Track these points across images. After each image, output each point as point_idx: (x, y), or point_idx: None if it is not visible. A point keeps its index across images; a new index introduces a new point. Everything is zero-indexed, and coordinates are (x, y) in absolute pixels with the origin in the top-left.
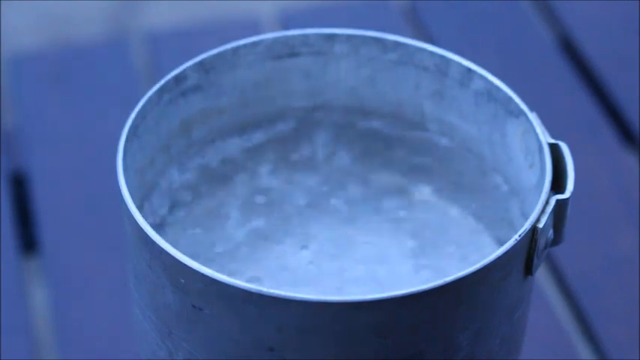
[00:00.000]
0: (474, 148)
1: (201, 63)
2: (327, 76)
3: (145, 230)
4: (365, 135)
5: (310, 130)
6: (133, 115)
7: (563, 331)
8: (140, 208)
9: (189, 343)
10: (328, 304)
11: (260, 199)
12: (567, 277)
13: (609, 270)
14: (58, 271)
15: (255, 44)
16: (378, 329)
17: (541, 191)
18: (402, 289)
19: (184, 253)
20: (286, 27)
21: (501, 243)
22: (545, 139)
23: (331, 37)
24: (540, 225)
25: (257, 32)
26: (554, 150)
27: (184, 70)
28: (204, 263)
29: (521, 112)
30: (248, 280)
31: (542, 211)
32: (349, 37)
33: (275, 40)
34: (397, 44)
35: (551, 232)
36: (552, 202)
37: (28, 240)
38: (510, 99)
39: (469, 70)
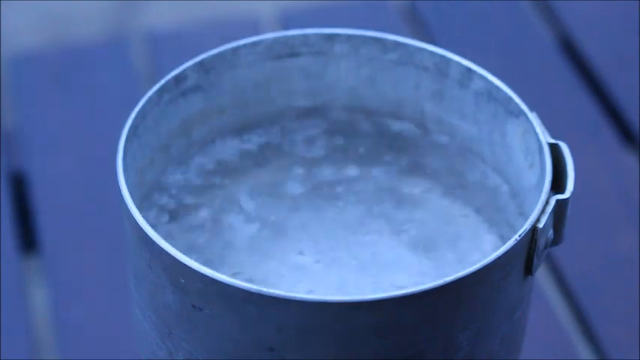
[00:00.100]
0: (474, 148)
1: (201, 63)
2: (327, 76)
3: (145, 230)
4: (365, 135)
5: (310, 130)
6: (133, 115)
7: (563, 331)
8: (140, 208)
9: (189, 343)
10: (328, 304)
11: (260, 198)
12: (567, 277)
13: (609, 270)
14: (58, 271)
15: (255, 44)
16: (378, 329)
17: (541, 191)
18: (402, 289)
19: (185, 253)
20: (286, 27)
21: (501, 243)
22: (545, 139)
23: (331, 37)
24: (540, 225)
25: (257, 32)
26: (554, 150)
27: (184, 70)
28: (204, 263)
29: (521, 112)
30: (250, 280)
31: (542, 211)
32: (349, 37)
33: (275, 40)
34: (397, 44)
35: (551, 232)
36: (552, 202)
37: (28, 240)
38: (510, 99)
39: (469, 70)
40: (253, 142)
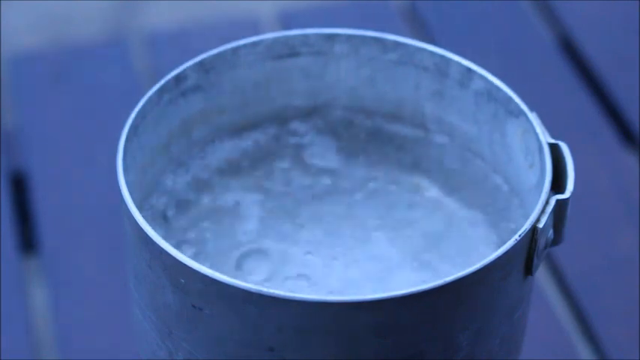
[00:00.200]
0: (473, 148)
1: (201, 63)
2: (327, 76)
3: (145, 230)
4: (365, 135)
5: (310, 130)
6: (133, 115)
7: (563, 331)
8: (140, 208)
9: (189, 343)
10: (328, 304)
11: (260, 199)
12: (567, 277)
13: (609, 270)
14: (58, 271)
15: (255, 44)
16: (378, 329)
17: (541, 191)
18: (402, 289)
19: (185, 254)
20: (286, 27)
21: (501, 243)
22: (545, 139)
23: (331, 37)
24: (540, 225)
25: (257, 32)
26: (554, 150)
27: (184, 70)
28: (203, 262)
29: (521, 112)
30: (250, 281)
31: (542, 211)
32: (349, 37)
33: (275, 40)
34: (397, 44)
35: (551, 232)
36: (552, 202)
37: (28, 240)
38: (510, 99)
39: (469, 70)
40: (253, 142)
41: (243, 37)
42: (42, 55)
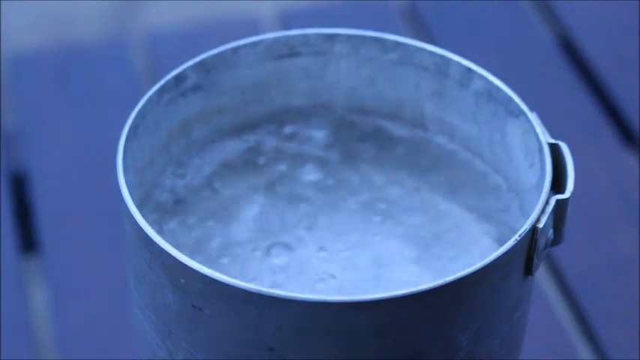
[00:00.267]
0: (473, 148)
1: (201, 63)
2: (327, 76)
3: (145, 230)
4: (364, 135)
5: (310, 130)
6: (133, 115)
7: (563, 331)
8: (140, 208)
9: (189, 343)
10: (328, 304)
11: (260, 198)
12: (567, 277)
13: (609, 270)
14: (58, 271)
15: (255, 44)
16: (378, 329)
17: (541, 191)
18: (402, 289)
19: (187, 254)
20: (286, 27)
21: (501, 243)
22: (545, 139)
23: (331, 37)
24: (540, 225)
25: (257, 32)
26: (554, 150)
27: (184, 70)
28: (203, 262)
29: (521, 112)
30: (251, 281)
31: (542, 211)
32: (349, 37)
33: (275, 40)
34: (397, 44)
35: (551, 232)
36: (552, 202)
37: (28, 240)
38: (510, 99)
39: (469, 70)
40: (253, 142)
41: (243, 37)
42: (42, 55)
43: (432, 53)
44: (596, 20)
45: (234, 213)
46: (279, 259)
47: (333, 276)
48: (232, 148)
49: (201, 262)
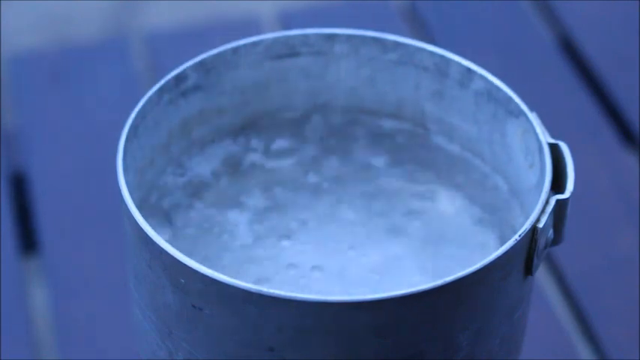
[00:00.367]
0: (473, 148)
1: (201, 63)
2: (327, 76)
3: (145, 230)
4: (364, 135)
5: (310, 130)
6: (133, 115)
7: (563, 331)
8: (140, 208)
9: (189, 343)
10: (328, 304)
11: (261, 199)
12: (567, 277)
13: (609, 270)
14: (58, 271)
15: (255, 44)
16: (378, 329)
17: (541, 191)
18: (402, 289)
19: (186, 253)
20: (286, 27)
21: (501, 243)
22: (545, 139)
23: (331, 37)
24: (540, 225)
25: (257, 32)
26: (554, 150)
27: (184, 70)
28: (203, 262)
29: (521, 112)
30: (252, 280)
31: (542, 211)
32: (349, 37)
33: (275, 40)
34: (397, 44)
35: (551, 232)
36: (552, 202)
37: (28, 240)
38: (510, 99)
39: (469, 70)
40: (253, 141)
41: (243, 37)
42: (42, 55)
43: (432, 53)
44: (596, 20)
45: (235, 213)
46: (281, 252)
47: (332, 274)
48: (232, 147)
49: (202, 260)
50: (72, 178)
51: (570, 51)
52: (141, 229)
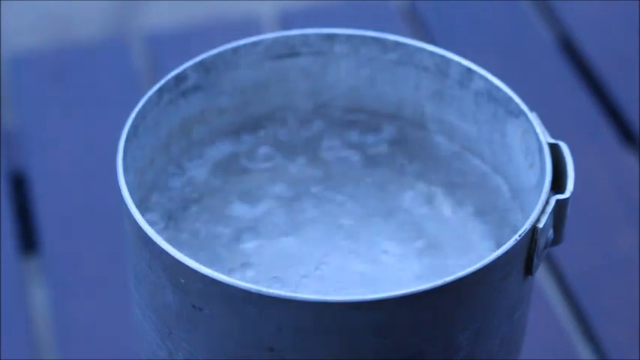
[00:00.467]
0: (473, 148)
1: (201, 63)
2: (327, 76)
3: (145, 230)
4: (364, 135)
5: (310, 130)
6: (133, 115)
7: (563, 331)
8: (140, 208)
9: (189, 343)
10: (328, 304)
11: (261, 199)
12: (567, 277)
13: (609, 270)
14: (58, 271)
15: (255, 44)
16: (378, 329)
17: (541, 191)
18: (402, 289)
19: (185, 253)
20: (286, 27)
21: (501, 243)
22: (545, 139)
23: (331, 37)
24: (540, 225)
25: (257, 32)
26: (554, 150)
27: (184, 70)
28: (204, 263)
29: (521, 112)
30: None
31: (542, 211)
32: (349, 37)
33: (275, 40)
34: (397, 44)
35: (551, 232)
36: (552, 202)
37: (28, 240)
38: (510, 99)
39: (469, 70)
40: (253, 142)
41: (243, 37)
42: (42, 55)
43: (432, 53)
44: (596, 20)
45: (235, 212)
46: (281, 252)
47: (330, 273)
48: (232, 148)
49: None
50: (72, 178)
51: (570, 51)
52: (141, 229)
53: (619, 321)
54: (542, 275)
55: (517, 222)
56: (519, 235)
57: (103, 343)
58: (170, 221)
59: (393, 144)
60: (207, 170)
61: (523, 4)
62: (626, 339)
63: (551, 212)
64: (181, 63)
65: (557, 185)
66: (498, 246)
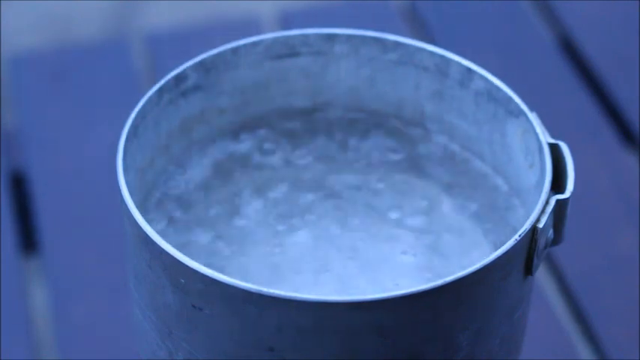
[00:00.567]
0: (473, 148)
1: (201, 63)
2: (327, 76)
3: (145, 230)
4: (364, 135)
5: (310, 130)
6: (133, 115)
7: (563, 331)
8: (140, 208)
9: (189, 343)
10: (328, 304)
11: (261, 199)
12: (567, 277)
13: (609, 270)
14: (58, 271)
15: (255, 44)
16: (378, 329)
17: (541, 191)
18: (402, 289)
19: (185, 253)
20: (286, 27)
21: (501, 243)
22: (545, 139)
23: (331, 37)
24: (540, 225)
25: (257, 32)
26: (554, 150)
27: (184, 70)
28: (204, 263)
29: (521, 112)
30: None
31: (542, 211)
32: (349, 37)
33: (275, 40)
34: (397, 44)
35: (551, 232)
36: (552, 202)
37: (28, 240)
38: (510, 99)
39: (469, 70)
40: (253, 142)
41: (243, 37)
42: (42, 55)
43: (432, 53)
44: (596, 20)
45: (234, 212)
46: (281, 252)
47: (330, 272)
48: (232, 148)
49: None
50: (72, 178)
51: (570, 51)
52: (141, 229)
53: (619, 321)
54: (542, 275)
55: (517, 222)
56: (519, 235)
57: (103, 343)
58: (170, 221)
59: (393, 143)
60: (207, 170)
61: (523, 4)
62: (626, 339)
63: (551, 212)
64: (181, 63)
65: (557, 185)
66: (498, 246)
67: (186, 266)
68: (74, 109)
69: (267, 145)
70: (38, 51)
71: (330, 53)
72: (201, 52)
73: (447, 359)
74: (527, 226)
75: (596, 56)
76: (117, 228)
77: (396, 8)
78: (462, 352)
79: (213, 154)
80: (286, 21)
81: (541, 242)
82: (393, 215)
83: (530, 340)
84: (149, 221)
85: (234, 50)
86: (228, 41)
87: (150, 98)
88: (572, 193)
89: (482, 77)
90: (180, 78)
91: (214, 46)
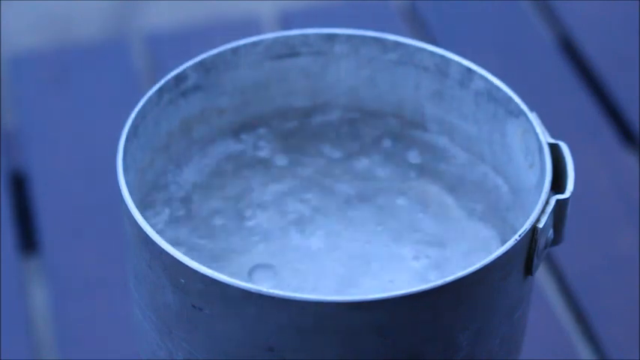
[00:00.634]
0: (473, 148)
1: (201, 63)
2: (327, 76)
3: (145, 230)
4: (364, 135)
5: (310, 130)
6: (133, 115)
7: (563, 331)
8: (140, 208)
9: (189, 343)
10: (328, 304)
11: (261, 199)
12: (567, 277)
13: (609, 270)
14: (58, 271)
15: (255, 44)
16: (378, 329)
17: (541, 191)
18: (402, 289)
19: (185, 253)
20: (286, 27)
21: (501, 243)
22: (545, 139)
23: (331, 37)
24: (540, 225)
25: (257, 32)
26: (554, 150)
27: (184, 70)
28: (204, 263)
29: (521, 112)
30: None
31: (542, 211)
32: (349, 37)
33: (275, 40)
34: (397, 44)
35: (551, 232)
36: (552, 202)
37: (28, 240)
38: (510, 99)
39: (469, 70)
40: (253, 142)
41: (243, 37)
42: (42, 55)
43: (432, 53)
44: (596, 20)
45: (235, 212)
46: (281, 252)
47: (331, 272)
48: (232, 148)
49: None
50: (72, 178)
51: (570, 51)
52: (141, 229)
53: (619, 321)
54: (542, 275)
55: (517, 222)
56: (519, 235)
57: (103, 343)
58: (170, 221)
59: (394, 143)
60: (207, 170)
61: (523, 4)
62: (626, 339)
63: (551, 212)
64: (181, 63)
65: (557, 185)
66: (498, 246)
67: (186, 266)
68: (74, 109)
69: (267, 145)
70: (38, 51)
71: (330, 53)
72: (201, 52)
73: (447, 359)
74: (527, 226)
75: (596, 56)
76: (117, 228)
77: (396, 8)
78: (462, 352)
79: (214, 154)
80: (286, 21)
81: (541, 242)
82: (392, 215)
83: (530, 340)
84: (149, 221)
85: (234, 50)
86: (228, 41)
87: (150, 98)
88: (572, 193)
89: (482, 77)
90: (180, 78)
91: (214, 46)
